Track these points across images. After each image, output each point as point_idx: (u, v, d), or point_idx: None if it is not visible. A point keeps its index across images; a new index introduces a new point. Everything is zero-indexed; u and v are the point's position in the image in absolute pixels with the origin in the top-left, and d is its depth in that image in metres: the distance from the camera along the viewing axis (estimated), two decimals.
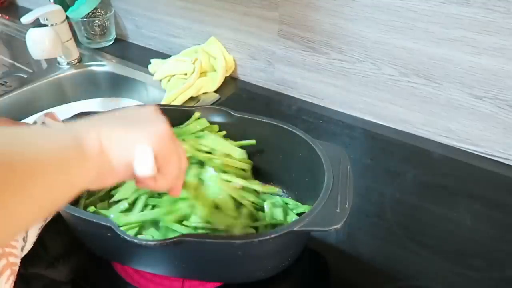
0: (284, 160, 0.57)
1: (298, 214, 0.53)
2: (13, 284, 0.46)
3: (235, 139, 0.59)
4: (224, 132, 0.60)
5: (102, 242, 0.49)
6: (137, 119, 0.37)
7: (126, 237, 0.41)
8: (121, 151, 0.34)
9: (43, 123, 0.53)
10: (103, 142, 0.33)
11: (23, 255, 0.50)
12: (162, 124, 0.37)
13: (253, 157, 0.60)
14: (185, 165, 0.41)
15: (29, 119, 0.85)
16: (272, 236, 0.40)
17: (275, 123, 0.56)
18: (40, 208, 0.27)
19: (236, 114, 0.58)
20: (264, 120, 0.57)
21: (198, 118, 0.59)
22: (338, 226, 0.41)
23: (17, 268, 0.47)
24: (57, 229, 0.55)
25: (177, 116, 0.60)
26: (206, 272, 0.49)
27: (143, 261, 0.50)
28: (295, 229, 0.40)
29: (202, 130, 0.59)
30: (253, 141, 0.58)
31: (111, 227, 0.41)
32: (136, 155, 0.34)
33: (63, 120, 0.54)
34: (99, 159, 0.32)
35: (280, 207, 0.53)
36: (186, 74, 0.85)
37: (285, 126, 0.55)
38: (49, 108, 0.88)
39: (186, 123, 0.60)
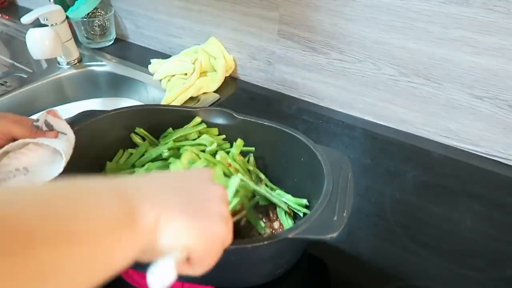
0: (286, 164, 0.56)
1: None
2: None
3: (236, 141, 0.59)
4: (223, 136, 0.60)
5: None
6: (200, 198, 0.34)
7: None
8: (171, 241, 0.30)
9: (46, 121, 0.52)
10: (160, 225, 0.29)
11: None
12: (225, 224, 0.33)
13: (255, 159, 0.60)
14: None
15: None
16: (266, 242, 0.39)
17: (277, 126, 0.55)
18: (73, 283, 0.24)
19: (239, 117, 0.57)
20: (267, 124, 0.56)
21: (200, 123, 0.59)
22: (334, 235, 0.39)
23: None
24: None
25: (178, 116, 0.59)
26: (201, 276, 0.49)
27: (136, 265, 0.49)
28: (289, 236, 0.39)
29: (200, 134, 0.59)
30: (252, 148, 0.58)
31: None
32: (158, 264, 0.29)
33: (66, 120, 0.54)
34: (148, 238, 0.29)
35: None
36: (186, 74, 0.85)
37: (287, 130, 0.54)
38: (49, 108, 0.88)
39: (185, 126, 0.60)
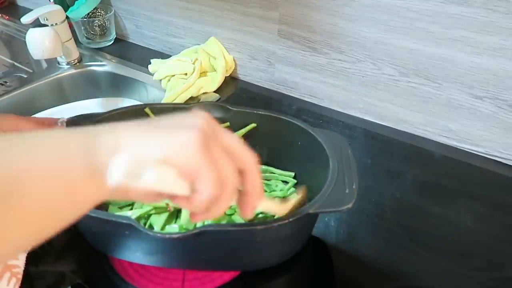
0: (284, 150, 0.58)
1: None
2: (17, 285, 0.46)
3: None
4: None
5: (118, 242, 0.49)
6: (169, 123, 0.31)
7: (148, 233, 0.41)
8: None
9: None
10: (121, 146, 0.28)
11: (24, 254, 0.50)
12: (193, 128, 0.29)
13: (252, 148, 0.60)
14: (232, 179, 0.31)
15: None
16: (290, 219, 0.42)
17: (273, 114, 0.57)
18: (40, 223, 0.25)
19: (234, 109, 0.59)
20: (262, 112, 0.58)
21: None
22: (350, 205, 0.42)
23: (17, 270, 0.47)
24: None
25: (174, 113, 0.60)
26: (225, 261, 0.50)
27: (161, 257, 0.50)
28: (310, 211, 0.42)
29: None
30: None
31: (132, 225, 0.41)
32: (154, 177, 0.28)
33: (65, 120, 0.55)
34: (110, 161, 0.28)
35: None
36: (186, 74, 0.85)
37: (283, 117, 0.56)
38: (49, 108, 0.88)
39: None
